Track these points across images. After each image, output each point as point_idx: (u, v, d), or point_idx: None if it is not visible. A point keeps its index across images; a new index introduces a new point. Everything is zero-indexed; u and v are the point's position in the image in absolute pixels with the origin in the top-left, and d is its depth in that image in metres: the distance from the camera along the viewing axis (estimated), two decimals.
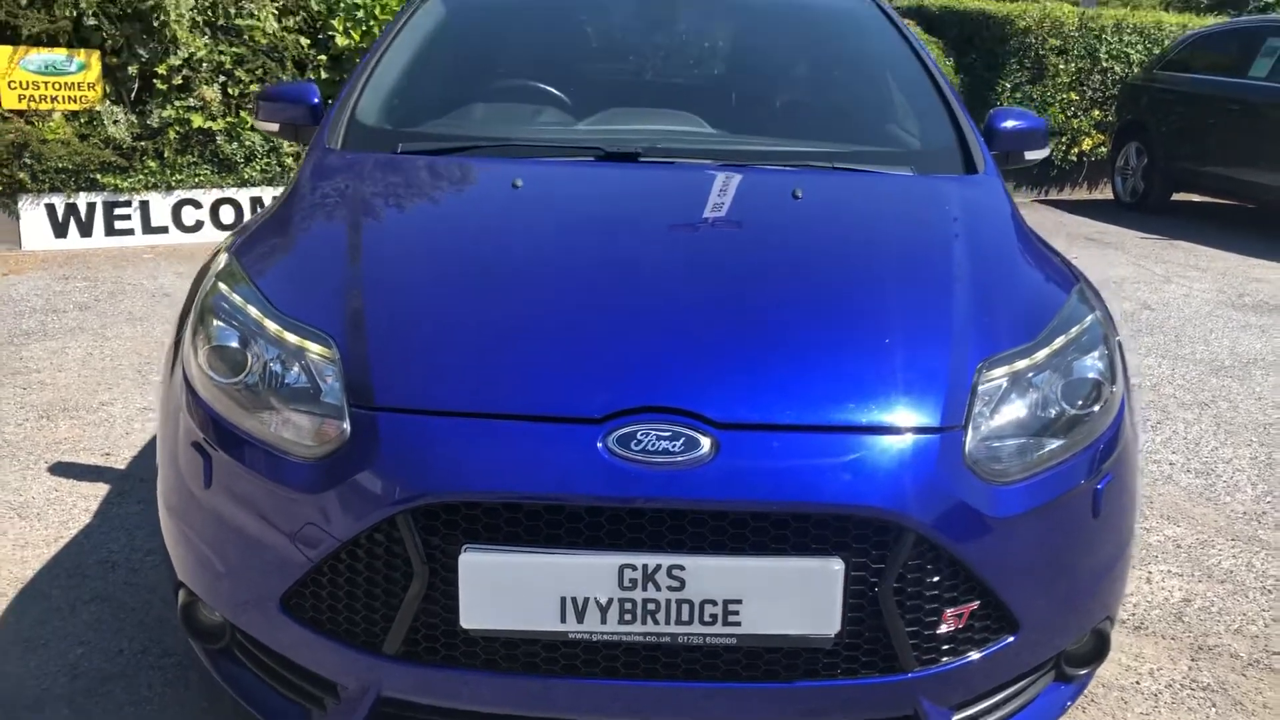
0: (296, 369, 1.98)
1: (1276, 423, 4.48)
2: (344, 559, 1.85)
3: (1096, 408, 2.05)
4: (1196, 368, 5.21)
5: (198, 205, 7.44)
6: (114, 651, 2.57)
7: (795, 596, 1.79)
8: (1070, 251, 8.03)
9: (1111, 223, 9.49)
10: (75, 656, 2.55)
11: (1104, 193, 11.13)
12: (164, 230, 7.37)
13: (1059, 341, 2.09)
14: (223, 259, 2.33)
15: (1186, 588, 3.07)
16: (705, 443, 1.79)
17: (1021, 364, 2.02)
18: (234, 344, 2.06)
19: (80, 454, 3.77)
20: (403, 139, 2.79)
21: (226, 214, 7.52)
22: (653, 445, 1.79)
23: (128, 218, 7.27)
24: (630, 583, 1.77)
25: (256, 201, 7.58)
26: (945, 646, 1.88)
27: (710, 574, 1.77)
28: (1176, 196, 10.33)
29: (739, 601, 1.78)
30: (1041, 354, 2.06)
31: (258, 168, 7.48)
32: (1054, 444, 1.97)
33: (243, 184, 7.50)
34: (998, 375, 1.99)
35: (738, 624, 1.79)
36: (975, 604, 1.88)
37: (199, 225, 7.46)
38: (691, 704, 1.85)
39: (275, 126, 3.22)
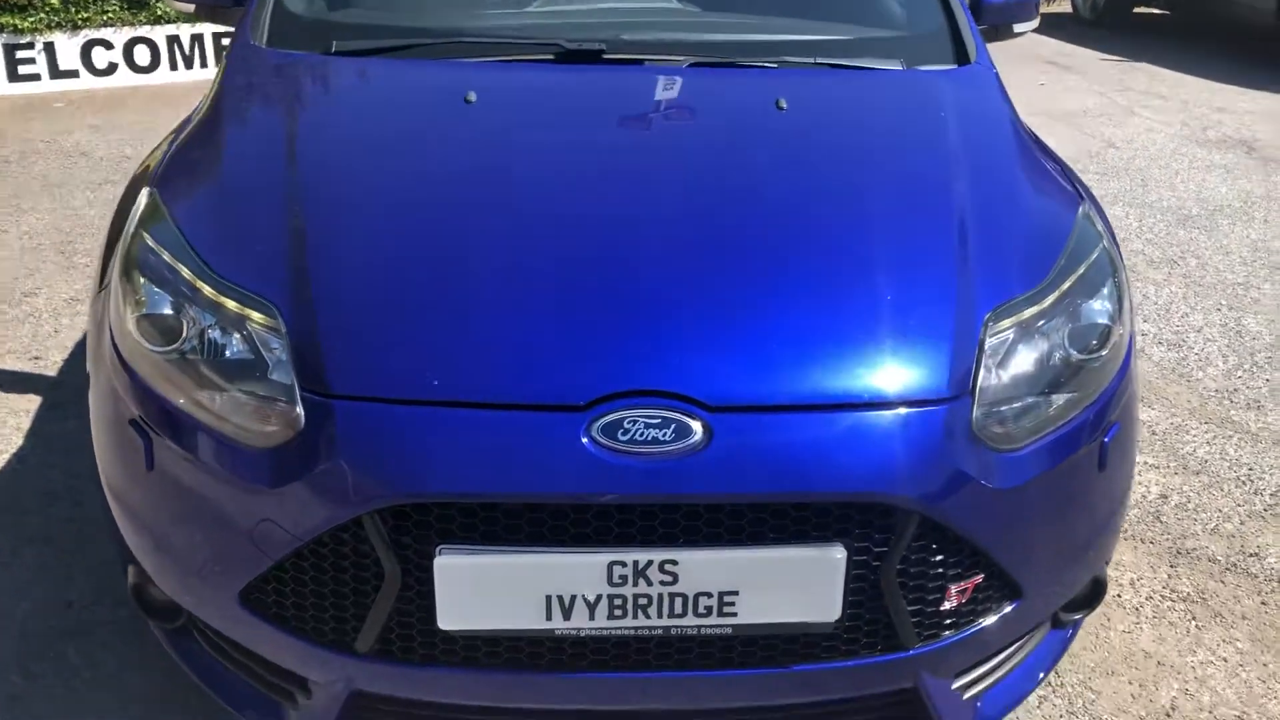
0: (238, 339, 1.78)
1: (1244, 282, 4.42)
2: (307, 558, 1.70)
3: (1105, 351, 1.92)
4: (1164, 218, 5.10)
5: (109, 46, 6.90)
6: (62, 605, 2.44)
7: (795, 586, 1.68)
8: (1033, 77, 7.78)
9: (1072, 42, 9.21)
10: (21, 613, 2.41)
11: (1063, 6, 10.77)
12: (74, 74, 6.85)
13: (1068, 282, 1.95)
14: (144, 199, 2.08)
15: (1163, 481, 3.05)
16: (697, 428, 1.64)
17: (1030, 312, 1.87)
18: (166, 310, 1.85)
19: (6, 358, 3.54)
20: (336, 34, 2.49)
21: (142, 54, 7.00)
22: (641, 434, 1.63)
23: (32, 61, 6.73)
24: (620, 579, 1.65)
25: (174, 41, 7.04)
26: (948, 621, 1.80)
27: (705, 567, 1.66)
28: (1136, 10, 10.02)
29: (735, 593, 1.67)
30: (1050, 299, 1.91)
31: None
32: (1061, 399, 1.85)
33: (157, 21, 6.95)
34: (1005, 327, 1.84)
35: (734, 615, 1.69)
36: (979, 578, 1.80)
37: (112, 68, 6.94)
38: (685, 692, 1.77)
39: (191, 7, 2.88)
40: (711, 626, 1.70)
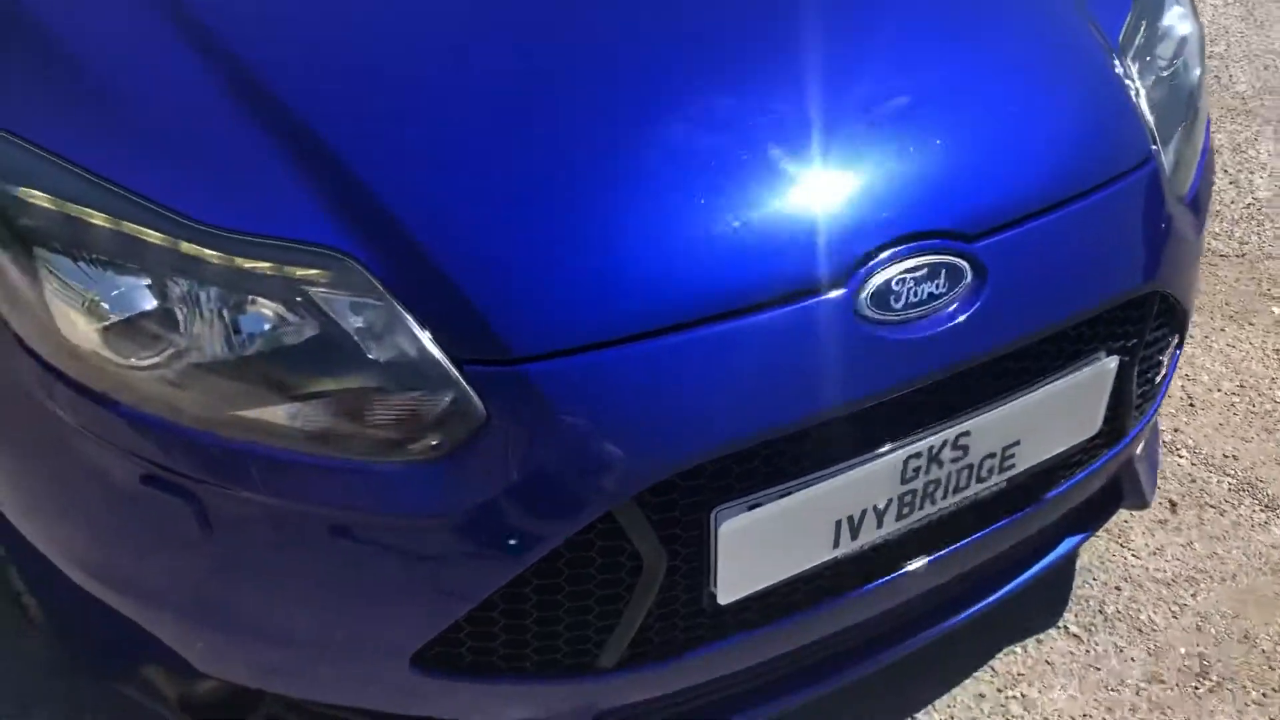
0: (279, 315, 1.17)
1: None
2: (529, 581, 1.22)
3: (1194, 58, 1.76)
4: None
5: None
6: None
7: (1069, 413, 1.46)
8: None
9: None
10: None
11: None
12: None
13: None
14: None
15: None
16: (965, 267, 1.31)
17: (1139, 37, 1.65)
18: (149, 303, 1.18)
19: None
20: None
21: None
22: (915, 294, 1.27)
23: None
24: (914, 472, 1.34)
25: None
26: (1151, 391, 1.66)
27: (995, 427, 1.37)
28: None
29: (1017, 443, 1.42)
30: (1145, 16, 1.70)
31: None
32: (1193, 121, 1.68)
33: None
34: (1131, 58, 1.62)
35: (1012, 467, 1.44)
36: (1177, 337, 1.65)
37: None
38: (949, 565, 1.51)
39: None
40: (989, 488, 1.44)
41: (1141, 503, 1.79)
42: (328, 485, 1.18)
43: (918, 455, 1.32)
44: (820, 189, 1.28)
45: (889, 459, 1.30)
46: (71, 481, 1.29)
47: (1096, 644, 1.82)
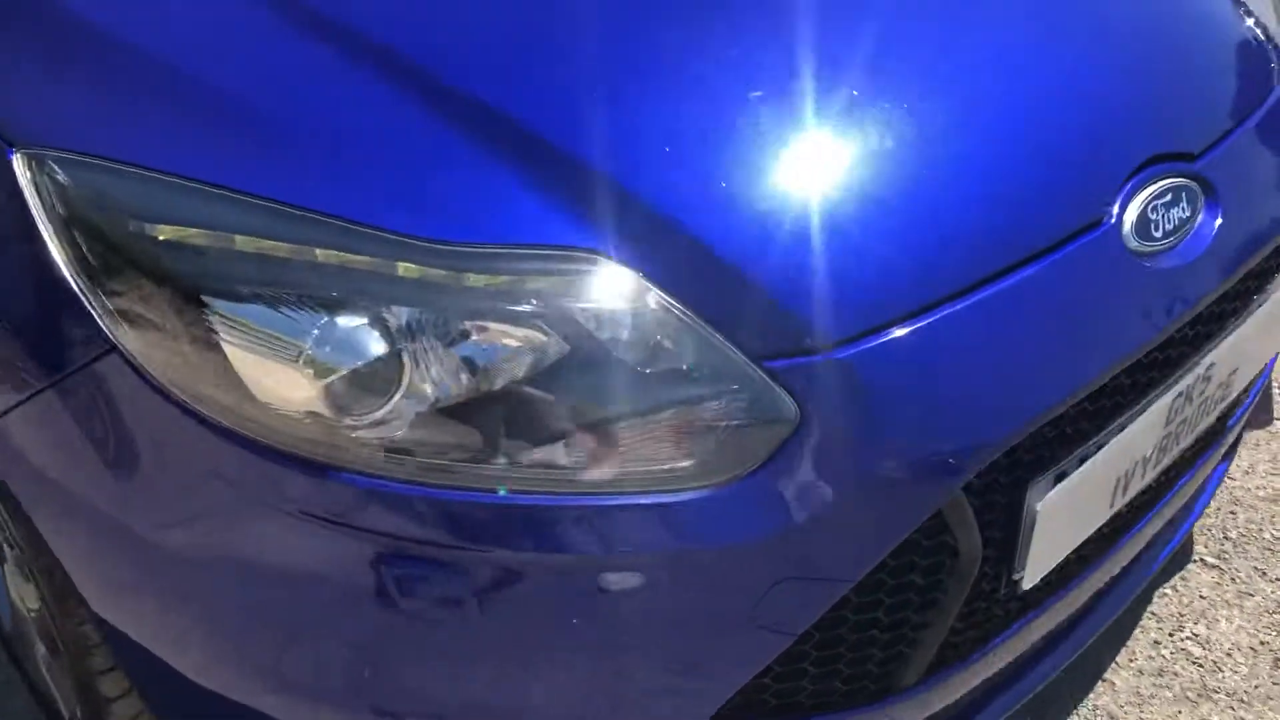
0: (537, 336, 0.97)
1: None
2: (849, 600, 1.06)
3: None
4: None
5: None
6: None
7: (1270, 330, 1.40)
8: None
9: None
10: None
11: None
12: None
13: None
14: (31, 182, 1.01)
15: None
16: (1197, 188, 1.23)
17: None
18: (378, 345, 0.95)
19: None
20: None
21: None
22: (1169, 221, 1.19)
23: None
24: (1173, 414, 1.25)
25: None
26: None
27: (1229, 354, 1.31)
28: None
29: (1236, 370, 1.35)
30: None
31: None
32: None
33: None
34: None
35: (1229, 395, 1.37)
36: None
37: None
38: (1168, 511, 1.43)
39: None
40: (1212, 420, 1.37)
41: (1269, 419, 1.77)
42: (620, 529, 0.98)
43: (1180, 395, 1.23)
44: (1061, 123, 1.17)
45: (1161, 403, 1.21)
46: (262, 573, 1.03)
47: (1238, 570, 1.79)
